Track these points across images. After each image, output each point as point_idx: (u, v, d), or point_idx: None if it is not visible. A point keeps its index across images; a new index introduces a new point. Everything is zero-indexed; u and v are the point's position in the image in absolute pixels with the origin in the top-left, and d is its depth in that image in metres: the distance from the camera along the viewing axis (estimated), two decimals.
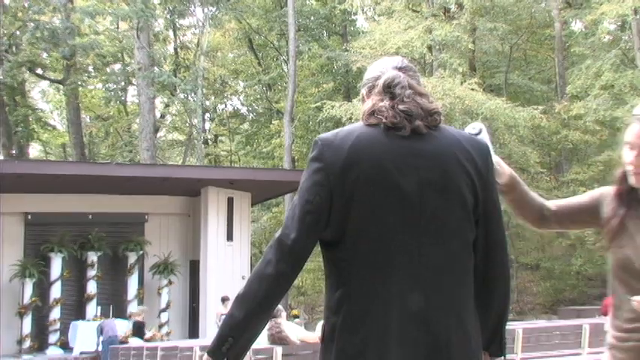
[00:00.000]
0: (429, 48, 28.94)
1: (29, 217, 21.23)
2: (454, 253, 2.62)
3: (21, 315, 20.25)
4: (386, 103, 2.67)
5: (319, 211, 2.58)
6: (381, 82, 2.75)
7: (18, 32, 34.66)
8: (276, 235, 2.66)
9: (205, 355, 2.66)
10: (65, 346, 20.64)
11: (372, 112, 2.69)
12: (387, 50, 26.95)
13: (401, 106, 2.65)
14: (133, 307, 21.53)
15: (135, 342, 18.08)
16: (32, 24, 33.59)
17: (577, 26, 35.59)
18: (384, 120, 2.64)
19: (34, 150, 45.42)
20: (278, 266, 2.59)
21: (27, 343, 20.08)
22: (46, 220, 21.14)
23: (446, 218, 2.61)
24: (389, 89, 2.71)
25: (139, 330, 19.09)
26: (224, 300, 18.49)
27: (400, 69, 2.80)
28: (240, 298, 2.63)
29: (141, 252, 21.97)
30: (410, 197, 2.57)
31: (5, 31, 34.26)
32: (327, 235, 2.62)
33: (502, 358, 2.85)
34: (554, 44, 34.71)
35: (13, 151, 38.10)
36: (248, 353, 9.99)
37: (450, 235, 2.62)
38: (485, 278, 2.72)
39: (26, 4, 34.44)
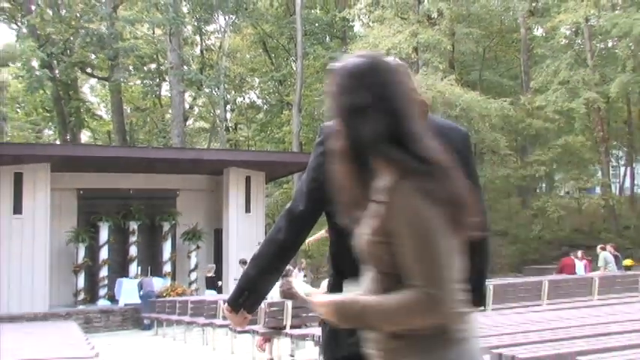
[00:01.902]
0: (415, 49, 28.81)
1: (81, 192, 21.29)
2: None
3: (75, 273, 20.37)
4: None
5: (323, 187, 2.58)
6: None
7: (71, 38, 34.56)
8: (287, 206, 2.67)
9: (226, 305, 2.67)
10: (112, 298, 20.75)
11: None
12: (379, 51, 26.80)
13: None
14: (167, 268, 21.64)
15: (209, 294, 18.16)
16: (83, 31, 33.51)
17: (539, 31, 35.44)
18: None
19: (85, 136, 45.39)
20: (287, 233, 2.61)
21: (81, 296, 20.23)
22: (95, 195, 21.18)
23: None
24: None
25: (212, 283, 19.23)
26: (243, 262, 18.53)
27: None
28: (255, 259, 2.66)
29: (173, 222, 22.02)
30: None
31: (61, 37, 34.17)
32: (329, 208, 2.61)
33: (482, 308, 2.88)
34: (520, 46, 34.58)
35: (68, 137, 38.12)
36: (264, 306, 10.03)
37: None
38: (467, 243, 2.72)
39: (78, 14, 34.32)
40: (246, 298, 2.65)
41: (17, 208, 19.25)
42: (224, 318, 12.01)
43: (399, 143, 2.03)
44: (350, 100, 2.10)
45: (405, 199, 1.97)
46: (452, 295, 1.96)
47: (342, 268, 2.61)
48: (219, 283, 20.32)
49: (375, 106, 2.07)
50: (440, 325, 2.01)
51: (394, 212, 1.97)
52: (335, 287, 2.65)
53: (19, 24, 36.22)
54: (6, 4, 36.26)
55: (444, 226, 1.97)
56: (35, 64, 33.13)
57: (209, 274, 19.82)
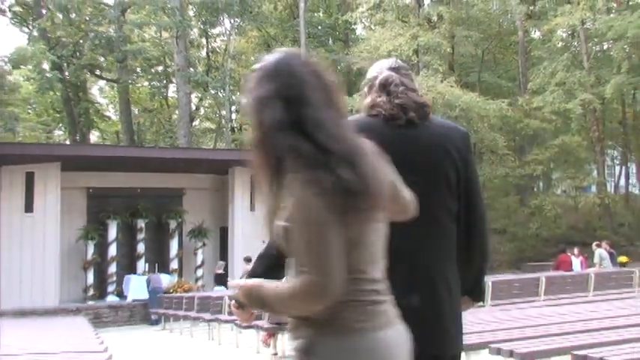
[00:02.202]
0: (415, 51, 28.81)
1: (90, 190, 21.32)
2: (439, 221, 2.64)
3: (85, 269, 20.40)
4: (383, 98, 2.69)
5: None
6: (377, 82, 2.76)
7: (81, 41, 34.58)
8: None
9: (233, 301, 2.67)
10: (120, 294, 20.79)
11: (373, 106, 2.71)
12: (380, 53, 26.83)
13: (397, 101, 2.66)
14: (174, 264, 21.66)
15: (218, 290, 18.15)
16: (92, 34, 33.54)
17: (536, 34, 35.40)
18: (383, 112, 2.65)
19: (94, 136, 45.42)
20: None
21: (90, 292, 20.27)
22: (104, 194, 21.21)
23: (433, 193, 2.62)
24: (384, 87, 2.72)
25: (220, 280, 19.22)
26: (247, 260, 18.52)
27: (394, 69, 2.80)
28: (260, 258, 2.67)
29: (180, 220, 22.04)
30: (404, 176, 2.57)
31: (71, 40, 34.19)
32: None
33: (481, 303, 2.90)
34: (518, 49, 34.54)
35: (77, 137, 38.15)
36: None
37: (436, 206, 2.63)
38: (467, 240, 2.74)
39: (87, 18, 34.36)
40: None
41: (29, 207, 19.29)
42: (229, 314, 12.03)
43: (302, 131, 2.03)
44: (257, 92, 2.13)
45: (295, 190, 1.98)
46: (336, 282, 1.95)
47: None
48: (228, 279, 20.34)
49: (279, 95, 2.09)
50: (335, 312, 2.02)
51: (288, 202, 1.99)
52: None
53: (30, 27, 36.26)
54: (18, 8, 36.30)
55: (332, 216, 1.95)
56: (46, 66, 33.19)
57: (219, 271, 19.88)
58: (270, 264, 2.64)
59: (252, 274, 2.67)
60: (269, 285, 2.10)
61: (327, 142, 2.04)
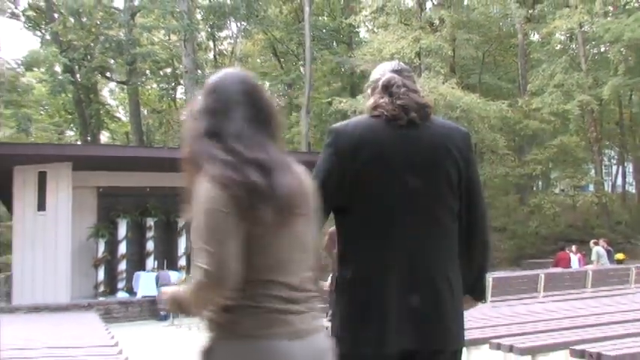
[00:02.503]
0: (417, 54, 28.78)
1: (100, 190, 21.32)
2: (440, 219, 2.63)
3: (96, 266, 20.40)
4: (385, 99, 2.69)
5: (332, 187, 2.59)
6: (380, 83, 2.76)
7: (92, 44, 34.64)
8: None
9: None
10: (130, 291, 20.79)
11: (375, 107, 2.71)
12: (383, 56, 26.83)
13: (398, 102, 2.66)
14: (182, 262, 21.66)
15: None
16: (103, 37, 33.60)
17: (535, 37, 35.35)
18: (385, 113, 2.65)
19: (104, 137, 45.51)
20: None
21: (101, 288, 20.24)
22: (114, 193, 21.21)
23: (434, 192, 2.62)
24: (387, 89, 2.73)
25: None
26: None
27: (396, 71, 2.80)
28: None
29: None
30: (405, 176, 2.58)
31: (82, 43, 34.25)
32: (337, 206, 2.62)
33: (483, 301, 2.90)
34: (517, 51, 34.49)
35: (88, 138, 38.21)
36: None
37: (436, 205, 2.62)
38: (468, 238, 2.73)
39: (98, 22, 34.41)
40: None
41: (41, 205, 19.30)
42: None
43: (221, 141, 2.12)
44: (193, 106, 2.28)
45: (201, 184, 2.05)
46: (228, 271, 1.97)
47: (351, 265, 2.62)
48: None
49: (206, 109, 2.22)
50: (235, 317, 2.04)
51: (194, 196, 2.08)
52: (342, 283, 2.65)
53: (43, 31, 36.32)
54: (31, 13, 36.37)
55: (232, 209, 1.99)
56: (58, 68, 33.26)
57: None
58: None
59: None
60: (184, 288, 2.11)
61: (242, 149, 2.10)
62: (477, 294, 2.87)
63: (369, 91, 2.86)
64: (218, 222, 2.01)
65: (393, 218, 2.57)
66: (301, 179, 2.21)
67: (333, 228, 2.86)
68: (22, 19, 36.18)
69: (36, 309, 17.91)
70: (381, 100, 2.70)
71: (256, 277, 2.06)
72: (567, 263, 19.56)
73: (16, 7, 35.08)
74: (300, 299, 2.13)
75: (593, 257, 20.02)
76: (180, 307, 2.15)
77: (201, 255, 1.99)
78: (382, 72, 2.84)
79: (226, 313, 2.05)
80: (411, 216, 2.58)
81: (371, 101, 2.76)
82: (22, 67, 31.88)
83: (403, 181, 2.58)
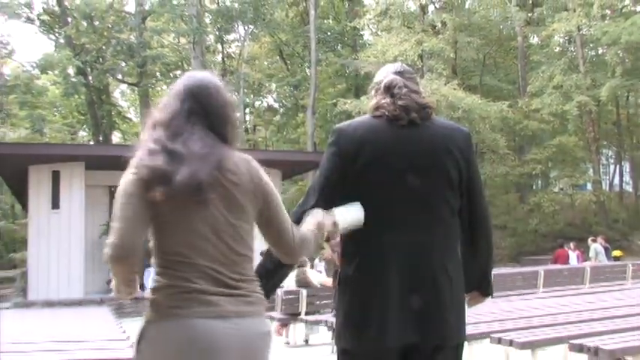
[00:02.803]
0: (420, 56, 28.76)
1: (112, 188, 21.17)
2: (441, 217, 2.63)
3: None
4: (387, 100, 2.69)
5: (334, 185, 2.60)
6: (382, 84, 2.76)
7: (104, 47, 34.71)
8: (299, 203, 2.68)
9: None
10: (141, 287, 20.66)
11: (377, 108, 2.71)
12: (387, 58, 26.83)
13: (400, 102, 2.66)
14: None
15: None
16: (114, 40, 33.66)
17: (535, 40, 35.29)
18: (386, 113, 2.65)
19: (116, 137, 45.55)
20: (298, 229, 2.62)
21: (113, 284, 20.26)
22: None
23: (434, 191, 2.62)
24: (388, 90, 2.72)
25: None
26: (263, 254, 18.46)
27: (398, 73, 2.80)
28: (269, 253, 2.66)
29: None
30: (406, 174, 2.58)
31: (94, 46, 34.31)
32: (340, 204, 2.62)
33: (490, 296, 2.91)
34: (517, 53, 34.41)
35: (100, 138, 38.29)
36: (281, 294, 10.06)
37: (437, 204, 2.62)
38: (471, 236, 2.73)
39: (110, 25, 34.47)
40: (263, 286, 2.67)
41: (55, 204, 19.34)
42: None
43: (153, 130, 2.35)
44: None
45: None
46: (126, 242, 2.11)
47: (353, 262, 2.62)
48: None
49: (162, 105, 2.48)
50: (154, 297, 2.15)
51: None
52: (345, 280, 2.65)
53: (56, 35, 36.38)
54: (46, 17, 36.47)
55: (136, 189, 2.17)
56: (71, 71, 33.31)
57: None
58: (278, 260, 2.64)
59: (261, 268, 2.68)
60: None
61: (164, 139, 2.24)
62: (484, 290, 2.88)
63: (372, 92, 2.86)
64: (124, 201, 2.18)
65: (394, 216, 2.58)
66: (218, 172, 2.23)
67: (335, 240, 2.87)
68: (37, 23, 36.27)
69: (50, 304, 17.97)
70: (383, 101, 2.70)
71: (172, 258, 2.16)
72: (566, 260, 19.52)
73: (31, 12, 35.18)
74: (227, 282, 2.17)
75: (591, 254, 20.00)
76: (115, 288, 2.31)
77: (111, 231, 2.14)
78: (385, 74, 2.84)
79: (153, 294, 2.16)
80: (412, 214, 2.58)
81: (373, 102, 2.76)
82: (36, 69, 31.92)
83: (404, 180, 2.58)
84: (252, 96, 43.21)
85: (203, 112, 2.34)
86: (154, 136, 2.29)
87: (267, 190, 2.35)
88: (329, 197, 2.62)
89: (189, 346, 2.06)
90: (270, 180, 2.40)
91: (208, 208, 2.19)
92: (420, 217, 2.59)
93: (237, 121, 2.52)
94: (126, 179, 2.23)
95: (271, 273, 2.68)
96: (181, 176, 2.15)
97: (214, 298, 2.13)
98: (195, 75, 2.53)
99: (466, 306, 2.81)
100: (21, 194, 23.83)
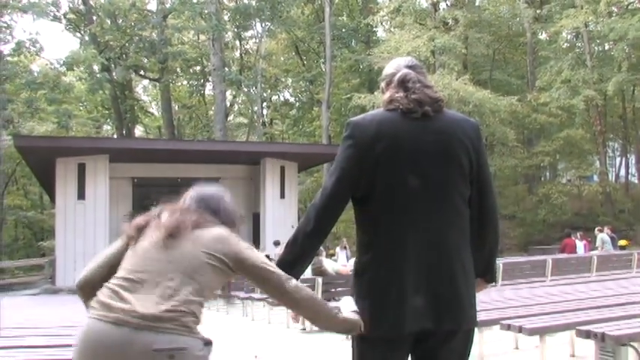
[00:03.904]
0: (432, 52, 28.68)
1: (135, 180, 21.49)
2: (454, 205, 2.62)
3: None
4: (401, 94, 2.67)
5: (350, 177, 2.59)
6: (396, 79, 2.74)
7: (127, 44, 34.84)
8: (317, 195, 2.67)
9: None
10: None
11: (391, 101, 2.69)
12: (400, 54, 26.73)
13: (413, 96, 2.65)
14: None
15: None
16: (137, 38, 33.78)
17: (543, 36, 35.05)
18: (400, 107, 2.63)
19: (138, 131, 45.81)
20: (316, 221, 2.62)
21: None
22: (147, 183, 21.36)
23: (448, 179, 2.61)
24: (403, 84, 2.71)
25: None
26: (276, 243, 18.55)
27: (411, 67, 2.79)
28: (289, 246, 2.67)
29: None
30: (421, 165, 2.57)
31: (118, 44, 34.44)
32: (357, 194, 2.62)
33: (493, 284, 2.89)
34: (526, 49, 34.27)
35: (124, 132, 38.46)
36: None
37: (451, 191, 2.61)
38: (479, 224, 2.71)
39: (133, 23, 34.58)
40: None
41: (81, 194, 19.49)
42: (261, 292, 12.08)
43: None
44: None
45: None
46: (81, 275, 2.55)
47: (369, 250, 2.61)
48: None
49: None
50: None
51: None
52: (361, 269, 2.65)
53: (82, 33, 36.56)
54: (72, 16, 36.65)
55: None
56: (96, 68, 33.46)
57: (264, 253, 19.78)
58: (298, 252, 2.65)
59: (281, 262, 2.68)
60: None
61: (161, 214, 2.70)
62: (489, 277, 2.86)
63: (382, 84, 2.85)
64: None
65: (410, 204, 2.57)
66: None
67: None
68: (64, 21, 36.45)
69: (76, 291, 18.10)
70: (397, 95, 2.69)
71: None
72: (573, 249, 19.43)
73: (58, 11, 35.36)
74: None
75: (598, 243, 19.90)
76: None
77: None
78: (397, 67, 2.82)
79: None
80: (427, 202, 2.57)
81: (387, 95, 2.75)
82: (63, 66, 32.09)
83: (419, 169, 2.57)
84: (269, 91, 43.24)
85: (211, 205, 2.77)
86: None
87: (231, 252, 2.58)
88: (346, 189, 2.62)
89: None
90: (236, 243, 2.61)
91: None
92: (435, 205, 2.58)
93: (230, 211, 2.82)
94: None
95: (292, 267, 2.68)
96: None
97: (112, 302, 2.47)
98: (208, 188, 2.97)
99: None
100: (49, 185, 24.02)
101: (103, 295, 2.38)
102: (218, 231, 2.61)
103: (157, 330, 2.28)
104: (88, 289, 2.51)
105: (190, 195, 2.81)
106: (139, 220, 2.64)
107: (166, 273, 2.41)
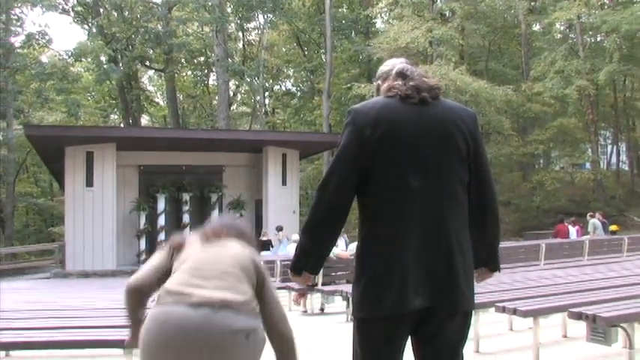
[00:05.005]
0: (430, 43, 28.57)
1: (142, 168, 21.47)
2: (453, 187, 2.63)
3: (138, 237, 20.59)
4: (399, 81, 2.70)
5: (353, 161, 2.60)
6: (395, 70, 2.80)
7: (133, 36, 34.76)
8: (323, 179, 2.68)
9: (290, 270, 2.75)
10: None
11: (390, 89, 2.72)
12: (399, 45, 26.74)
13: (411, 83, 2.69)
14: None
15: (264, 255, 18.02)
16: (143, 29, 33.68)
17: (537, 27, 34.95)
18: (399, 93, 2.65)
19: (144, 120, 45.75)
20: (328, 203, 2.63)
21: (143, 257, 20.38)
22: (154, 170, 21.35)
23: (446, 163, 2.62)
24: (401, 73, 2.75)
25: (265, 247, 19.00)
26: (279, 229, 18.53)
27: (407, 63, 2.84)
28: (305, 230, 2.70)
29: (220, 193, 22.08)
30: (420, 148, 2.59)
31: (124, 35, 34.35)
32: (359, 178, 2.62)
33: (497, 272, 2.89)
34: (521, 40, 34.14)
35: (130, 121, 38.44)
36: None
37: (449, 173, 2.63)
38: (479, 208, 2.73)
39: (139, 15, 34.48)
40: (305, 264, 2.70)
41: (89, 182, 19.50)
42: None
43: None
44: None
45: None
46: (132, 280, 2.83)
47: (372, 232, 2.62)
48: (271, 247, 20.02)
49: None
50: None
51: None
52: (362, 252, 2.66)
53: (89, 25, 36.46)
54: (79, 8, 36.57)
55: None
56: (103, 59, 33.40)
57: (264, 238, 19.65)
58: (318, 234, 2.69)
59: (299, 247, 2.72)
60: None
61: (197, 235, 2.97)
62: (492, 266, 2.85)
63: (379, 82, 2.87)
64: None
65: (409, 186, 2.57)
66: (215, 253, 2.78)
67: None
68: (72, 14, 36.41)
69: (86, 275, 18.18)
70: (395, 82, 2.72)
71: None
72: (566, 234, 19.45)
73: (66, 4, 35.32)
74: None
75: (590, 229, 19.93)
76: None
77: None
78: (393, 64, 2.87)
79: None
80: (426, 184, 2.58)
81: (385, 85, 2.77)
82: (72, 57, 32.03)
83: (418, 151, 2.59)
84: (271, 80, 43.15)
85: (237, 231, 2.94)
86: None
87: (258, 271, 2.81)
88: (349, 173, 2.62)
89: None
90: (265, 270, 2.85)
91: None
92: (435, 187, 2.59)
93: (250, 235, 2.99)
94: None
95: (310, 251, 2.71)
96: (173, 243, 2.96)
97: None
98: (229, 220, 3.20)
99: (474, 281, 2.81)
100: (58, 173, 24.04)
101: (173, 286, 2.59)
102: (252, 253, 2.85)
103: (236, 311, 2.49)
104: (138, 294, 2.78)
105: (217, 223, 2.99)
106: (179, 238, 2.94)
107: (227, 268, 2.66)
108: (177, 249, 2.82)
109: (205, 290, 2.52)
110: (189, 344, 2.42)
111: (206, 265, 2.66)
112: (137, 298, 2.77)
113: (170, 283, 2.62)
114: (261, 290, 2.74)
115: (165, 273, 2.75)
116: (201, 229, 2.91)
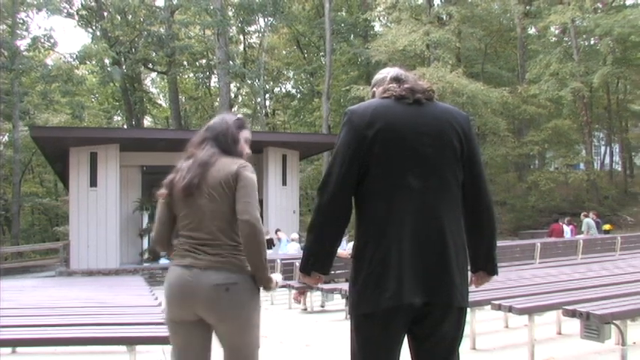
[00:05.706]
0: (427, 46, 28.59)
1: (144, 168, 21.45)
2: (447, 183, 2.64)
3: (141, 236, 20.56)
4: (394, 84, 2.73)
5: (350, 160, 2.60)
6: (389, 76, 2.84)
7: (136, 39, 34.76)
8: (323, 180, 2.68)
9: (299, 271, 2.77)
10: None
11: (385, 91, 2.74)
12: (397, 48, 26.75)
13: (406, 85, 2.71)
14: None
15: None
16: (146, 32, 33.67)
17: (533, 30, 34.99)
18: (394, 94, 2.68)
19: (147, 121, 45.72)
20: (329, 204, 2.64)
21: (145, 255, 20.40)
22: (156, 170, 21.14)
23: (441, 161, 2.63)
24: (396, 78, 2.79)
25: (268, 245, 19.04)
26: (277, 231, 18.70)
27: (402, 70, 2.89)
28: (310, 231, 2.72)
29: None
30: (415, 146, 2.60)
31: (127, 38, 34.36)
32: (356, 177, 2.63)
33: (495, 275, 2.88)
34: (516, 43, 34.18)
35: (133, 122, 38.44)
36: (298, 265, 10.08)
37: (444, 170, 2.63)
38: (474, 208, 2.72)
39: (142, 19, 34.48)
40: (313, 264, 2.72)
41: (93, 182, 19.48)
42: None
43: None
44: None
45: None
46: (153, 239, 3.33)
47: (368, 229, 2.62)
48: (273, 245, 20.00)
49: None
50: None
51: None
52: (360, 250, 2.66)
53: (93, 28, 36.47)
54: (84, 12, 36.57)
55: (161, 200, 3.33)
56: (107, 61, 33.38)
57: (266, 237, 19.65)
58: (320, 235, 2.70)
59: (306, 247, 2.74)
60: None
61: (183, 163, 3.39)
62: (490, 269, 2.83)
63: (374, 88, 2.90)
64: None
65: (405, 182, 2.58)
66: (203, 171, 3.18)
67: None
68: (76, 17, 36.37)
69: (89, 273, 18.17)
70: (390, 86, 2.75)
71: (179, 233, 3.16)
72: (560, 233, 19.48)
73: (71, 8, 35.32)
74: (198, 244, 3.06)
75: (584, 228, 19.97)
76: None
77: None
78: (387, 72, 2.90)
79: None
80: (423, 181, 2.59)
81: (381, 89, 2.81)
82: (76, 60, 32.03)
83: (413, 148, 2.60)
84: (271, 83, 43.15)
85: (212, 136, 3.37)
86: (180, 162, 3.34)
87: (238, 181, 3.07)
88: (347, 172, 2.63)
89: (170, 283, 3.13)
90: (249, 175, 3.09)
91: (193, 201, 3.12)
92: (430, 183, 2.60)
93: (237, 139, 3.31)
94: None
95: (317, 252, 2.72)
96: (179, 184, 3.21)
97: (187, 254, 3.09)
98: (224, 116, 3.53)
99: (471, 284, 2.81)
100: (63, 173, 24.03)
101: (178, 249, 3.14)
102: (238, 167, 3.11)
103: (217, 269, 2.98)
104: (162, 244, 3.28)
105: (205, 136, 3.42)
106: (167, 180, 3.32)
107: (207, 223, 3.05)
108: (169, 196, 3.25)
109: (195, 254, 3.04)
110: (185, 296, 3.01)
111: (192, 218, 3.10)
112: (163, 247, 3.30)
113: (177, 246, 3.16)
114: (237, 187, 3.06)
115: (172, 219, 3.23)
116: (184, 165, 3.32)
